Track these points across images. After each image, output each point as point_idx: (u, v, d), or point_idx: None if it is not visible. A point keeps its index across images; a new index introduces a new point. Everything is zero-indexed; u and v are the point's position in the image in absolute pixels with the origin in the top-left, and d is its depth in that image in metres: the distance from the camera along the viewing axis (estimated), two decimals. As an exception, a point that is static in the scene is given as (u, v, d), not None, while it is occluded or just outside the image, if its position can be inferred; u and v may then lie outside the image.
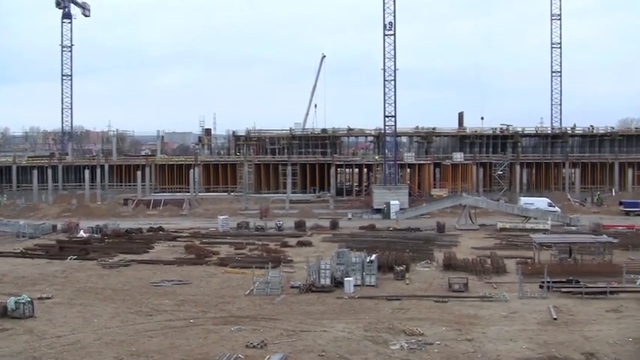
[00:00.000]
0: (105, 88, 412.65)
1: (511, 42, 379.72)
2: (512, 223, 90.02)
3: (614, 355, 35.59)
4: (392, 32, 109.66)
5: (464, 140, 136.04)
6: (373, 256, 56.30)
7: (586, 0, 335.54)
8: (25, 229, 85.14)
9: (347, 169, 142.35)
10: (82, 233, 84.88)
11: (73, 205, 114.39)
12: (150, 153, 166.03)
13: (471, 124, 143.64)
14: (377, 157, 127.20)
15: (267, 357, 35.36)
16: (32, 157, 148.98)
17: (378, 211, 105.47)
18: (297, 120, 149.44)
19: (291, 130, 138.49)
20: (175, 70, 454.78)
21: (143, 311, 46.18)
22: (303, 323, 42.20)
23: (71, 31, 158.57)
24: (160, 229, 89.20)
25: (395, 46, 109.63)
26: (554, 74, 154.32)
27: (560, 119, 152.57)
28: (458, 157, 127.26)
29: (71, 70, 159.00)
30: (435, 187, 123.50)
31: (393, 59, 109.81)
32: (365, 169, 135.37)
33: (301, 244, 76.10)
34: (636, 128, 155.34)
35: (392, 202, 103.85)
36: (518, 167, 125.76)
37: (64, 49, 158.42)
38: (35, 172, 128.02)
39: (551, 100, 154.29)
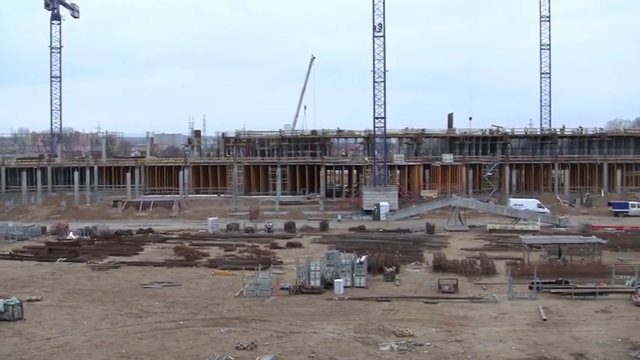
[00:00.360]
0: (94, 90, 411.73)
1: (501, 44, 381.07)
2: (501, 224, 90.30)
3: (604, 356, 35.70)
4: (381, 34, 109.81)
5: (453, 141, 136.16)
6: (363, 258, 56.33)
7: (575, 2, 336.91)
8: (14, 231, 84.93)
9: (337, 171, 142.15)
10: (71, 235, 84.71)
11: (62, 207, 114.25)
12: (139, 155, 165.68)
13: (461, 125, 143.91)
14: (366, 159, 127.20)
15: (257, 358, 35.36)
16: (21, 158, 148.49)
17: (368, 212, 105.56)
18: (287, 121, 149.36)
19: (280, 131, 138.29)
20: (165, 72, 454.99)
21: (133, 313, 46.09)
22: (293, 325, 42.20)
23: (60, 33, 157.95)
24: (150, 230, 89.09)
25: (384, 48, 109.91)
26: (543, 76, 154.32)
27: (550, 120, 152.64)
28: (447, 158, 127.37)
29: (60, 71, 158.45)
30: (424, 189, 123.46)
31: (382, 61, 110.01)
32: (355, 171, 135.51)
33: (291, 245, 76.09)
34: (625, 129, 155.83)
35: (381, 204, 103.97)
36: (507, 168, 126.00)
37: (53, 51, 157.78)
38: (24, 173, 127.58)
39: (541, 101, 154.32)
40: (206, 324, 42.91)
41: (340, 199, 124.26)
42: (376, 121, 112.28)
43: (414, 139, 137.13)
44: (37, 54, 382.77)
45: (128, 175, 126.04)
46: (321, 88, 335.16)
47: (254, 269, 55.48)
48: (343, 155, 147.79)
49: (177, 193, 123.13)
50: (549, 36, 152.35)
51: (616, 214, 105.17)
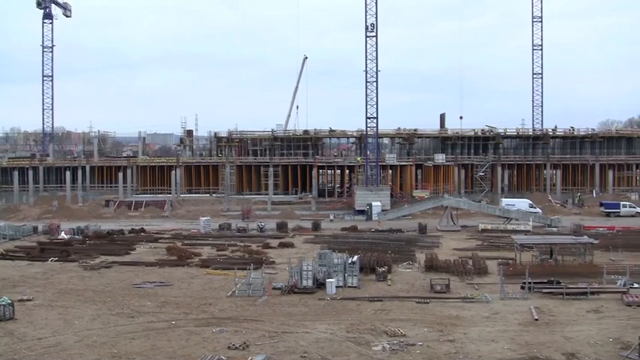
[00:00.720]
0: (86, 89, 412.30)
1: (493, 44, 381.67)
2: (493, 224, 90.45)
3: (595, 356, 35.75)
4: (374, 34, 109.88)
5: (445, 142, 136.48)
6: (355, 258, 56.32)
7: (568, 3, 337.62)
8: (5, 230, 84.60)
9: (329, 171, 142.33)
10: (63, 235, 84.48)
11: (54, 207, 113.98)
12: (131, 154, 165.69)
13: (453, 125, 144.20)
14: (359, 159, 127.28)
15: (250, 358, 35.29)
16: (13, 158, 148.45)
17: (360, 212, 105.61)
18: (279, 121, 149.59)
19: (273, 131, 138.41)
20: (157, 72, 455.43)
21: (124, 313, 46.00)
22: (285, 324, 42.17)
23: (52, 32, 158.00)
24: (142, 230, 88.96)
25: (377, 48, 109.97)
26: (535, 76, 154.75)
27: (542, 121, 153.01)
28: (439, 158, 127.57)
29: (52, 70, 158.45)
30: (416, 189, 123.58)
31: (375, 61, 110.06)
32: (347, 171, 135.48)
33: (283, 245, 76.04)
34: (617, 130, 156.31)
35: (374, 204, 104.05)
36: (499, 168, 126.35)
37: (45, 50, 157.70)
38: (16, 173, 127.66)
39: (533, 101, 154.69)
40: (198, 324, 42.84)
41: (332, 199, 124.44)
42: (368, 121, 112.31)
43: (407, 139, 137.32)
44: (29, 53, 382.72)
45: (120, 174, 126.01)
46: (314, 88, 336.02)
47: (246, 269, 55.43)
48: (335, 155, 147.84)
49: (170, 193, 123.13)
50: (541, 36, 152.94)
51: (607, 215, 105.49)
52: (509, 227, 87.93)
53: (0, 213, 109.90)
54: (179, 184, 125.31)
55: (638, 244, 75.13)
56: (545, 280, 52.65)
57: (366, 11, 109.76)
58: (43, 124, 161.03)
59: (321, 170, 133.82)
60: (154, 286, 55.27)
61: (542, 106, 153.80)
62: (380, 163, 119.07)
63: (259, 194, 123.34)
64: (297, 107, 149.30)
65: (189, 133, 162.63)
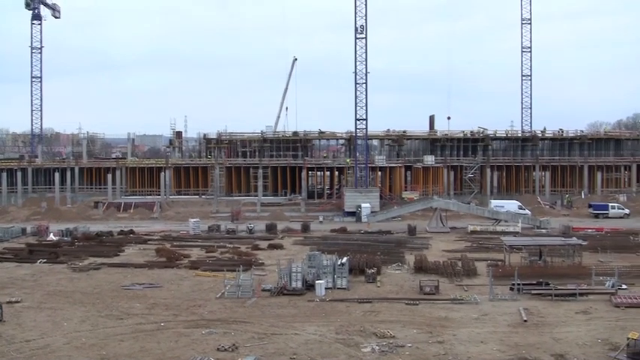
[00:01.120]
0: (75, 90, 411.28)
1: (482, 46, 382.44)
2: (482, 225, 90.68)
3: (584, 357, 35.85)
4: (363, 35, 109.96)
5: (435, 143, 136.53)
6: (344, 259, 56.26)
7: (557, 5, 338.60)
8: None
9: (318, 172, 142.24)
10: (51, 236, 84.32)
11: (42, 208, 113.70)
12: (120, 156, 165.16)
13: (442, 127, 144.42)
14: (348, 160, 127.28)
15: (239, 360, 35.35)
16: (1, 159, 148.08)
17: (350, 213, 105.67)
18: (269, 123, 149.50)
19: (262, 133, 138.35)
20: (146, 73, 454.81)
21: (113, 315, 45.90)
22: (274, 326, 42.15)
23: (41, 33, 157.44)
24: (131, 232, 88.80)
25: (366, 50, 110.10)
26: (524, 78, 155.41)
27: (531, 123, 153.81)
28: (429, 160, 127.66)
29: (41, 71, 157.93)
30: (406, 190, 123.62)
31: (364, 62, 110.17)
32: (336, 172, 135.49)
33: (272, 246, 76.05)
34: (605, 132, 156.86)
35: (363, 205, 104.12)
36: (488, 170, 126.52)
37: (33, 51, 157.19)
38: (4, 174, 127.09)
39: (522, 103, 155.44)
40: (187, 325, 42.79)
41: (322, 200, 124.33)
42: (358, 122, 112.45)
43: (396, 141, 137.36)
44: (18, 54, 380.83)
45: (109, 176, 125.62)
46: (303, 89, 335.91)
47: (235, 271, 55.37)
48: (325, 157, 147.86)
49: (159, 195, 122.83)
50: (530, 39, 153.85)
51: (596, 216, 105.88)
52: (499, 229, 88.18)
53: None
54: (168, 186, 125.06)
55: (626, 245, 75.66)
56: (534, 282, 52.84)
57: (355, 13, 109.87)
58: (32, 125, 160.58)
59: (310, 172, 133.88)
60: (143, 287, 55.19)
61: (531, 107, 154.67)
62: (369, 165, 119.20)
63: (248, 196, 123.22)
64: (287, 109, 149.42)
65: (179, 134, 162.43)
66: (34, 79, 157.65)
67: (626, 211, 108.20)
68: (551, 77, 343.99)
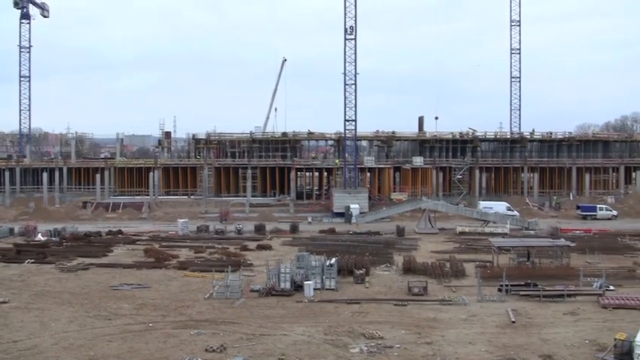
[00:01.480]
0: (64, 90, 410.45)
1: (472, 47, 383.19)
2: (471, 227, 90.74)
3: (571, 358, 35.98)
4: (353, 37, 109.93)
5: (424, 144, 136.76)
6: (333, 260, 56.25)
7: (546, 7, 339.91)
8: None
9: (307, 173, 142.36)
10: (39, 236, 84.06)
11: (30, 208, 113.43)
12: (109, 156, 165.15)
13: (432, 128, 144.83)
14: (337, 161, 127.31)
15: (227, 361, 35.32)
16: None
17: (339, 214, 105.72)
18: (258, 123, 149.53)
19: (251, 133, 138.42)
20: (135, 73, 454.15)
21: (102, 315, 45.79)
22: (262, 327, 42.12)
23: (29, 32, 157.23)
24: (119, 232, 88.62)
25: (356, 51, 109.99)
26: (513, 80, 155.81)
27: (520, 124, 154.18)
28: (418, 161, 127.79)
29: (29, 71, 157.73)
30: (394, 191, 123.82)
31: (353, 63, 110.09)
32: (325, 173, 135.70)
33: (261, 247, 75.99)
34: (594, 134, 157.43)
35: (352, 206, 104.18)
36: (477, 171, 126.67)
37: (22, 50, 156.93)
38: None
39: (511, 105, 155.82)
40: (175, 326, 42.74)
41: (311, 201, 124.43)
42: (347, 123, 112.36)
43: (385, 142, 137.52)
44: (6, 53, 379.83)
45: (98, 176, 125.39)
46: (293, 90, 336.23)
47: (224, 271, 55.23)
48: (314, 157, 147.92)
49: (147, 195, 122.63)
50: (519, 40, 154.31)
51: (584, 218, 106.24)
52: (487, 230, 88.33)
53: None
54: (157, 186, 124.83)
55: (614, 246, 75.95)
56: (523, 283, 52.95)
57: (345, 14, 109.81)
58: (20, 125, 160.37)
59: (299, 172, 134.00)
60: (131, 288, 55.08)
61: (519, 109, 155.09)
62: (358, 166, 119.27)
63: (237, 196, 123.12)
64: (276, 109, 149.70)
65: (168, 134, 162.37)
66: (22, 79, 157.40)
67: (614, 212, 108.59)
68: (540, 79, 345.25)
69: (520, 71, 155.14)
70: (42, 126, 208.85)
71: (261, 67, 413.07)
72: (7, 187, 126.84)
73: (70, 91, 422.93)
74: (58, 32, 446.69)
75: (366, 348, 37.48)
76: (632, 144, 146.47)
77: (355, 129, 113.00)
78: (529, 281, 53.19)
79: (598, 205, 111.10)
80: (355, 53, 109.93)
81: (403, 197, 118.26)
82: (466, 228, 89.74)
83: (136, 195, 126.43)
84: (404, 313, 46.37)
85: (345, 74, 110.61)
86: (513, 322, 43.32)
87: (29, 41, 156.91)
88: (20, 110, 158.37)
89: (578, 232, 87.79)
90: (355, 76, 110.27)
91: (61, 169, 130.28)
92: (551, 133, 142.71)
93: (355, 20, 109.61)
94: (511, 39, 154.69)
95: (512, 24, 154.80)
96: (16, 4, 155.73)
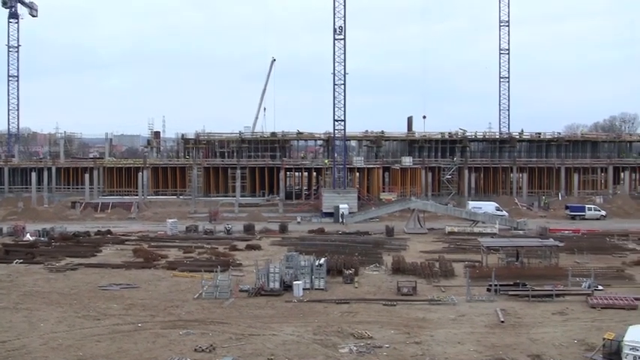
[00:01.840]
0: (52, 90, 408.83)
1: (461, 47, 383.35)
2: (460, 226, 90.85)
3: (560, 357, 36.06)
4: (342, 36, 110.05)
5: (413, 144, 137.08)
6: (322, 260, 56.32)
7: (535, 8, 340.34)
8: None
9: (296, 173, 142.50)
10: (28, 236, 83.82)
11: (19, 208, 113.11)
12: (98, 156, 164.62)
13: (421, 128, 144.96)
14: (326, 161, 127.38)
15: (216, 361, 35.28)
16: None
17: (328, 214, 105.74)
18: (247, 123, 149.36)
19: (240, 133, 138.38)
20: (124, 72, 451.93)
21: (90, 315, 45.66)
22: (252, 327, 42.08)
23: (18, 32, 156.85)
24: (108, 232, 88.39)
25: (345, 50, 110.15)
26: (502, 80, 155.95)
27: (509, 124, 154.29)
28: (407, 161, 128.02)
29: (18, 70, 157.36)
30: (384, 191, 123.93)
31: (342, 63, 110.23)
32: (314, 173, 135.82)
33: (250, 247, 75.92)
34: (582, 134, 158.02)
35: (341, 206, 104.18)
36: (466, 171, 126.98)
37: (10, 50, 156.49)
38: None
39: (499, 105, 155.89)
40: (164, 326, 42.65)
41: (300, 201, 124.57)
42: (336, 123, 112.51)
43: (374, 142, 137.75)
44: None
45: (86, 176, 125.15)
46: (282, 89, 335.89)
47: (213, 271, 55.23)
48: (303, 157, 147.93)
49: (136, 195, 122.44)
50: (508, 41, 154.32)
51: (573, 218, 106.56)
52: (476, 230, 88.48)
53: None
54: (146, 186, 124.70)
55: (602, 246, 76.17)
56: (511, 283, 53.06)
57: (334, 14, 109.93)
58: (9, 124, 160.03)
59: (288, 172, 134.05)
60: (120, 288, 54.94)
61: (508, 109, 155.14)
62: (347, 166, 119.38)
63: (226, 196, 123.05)
64: (265, 109, 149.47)
65: (157, 134, 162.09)
66: (10, 79, 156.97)
67: (603, 212, 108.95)
68: (530, 79, 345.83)
69: (509, 71, 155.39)
70: (30, 126, 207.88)
71: (250, 67, 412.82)
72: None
73: (58, 91, 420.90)
74: (46, 31, 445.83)
75: (355, 348, 37.48)
76: (620, 144, 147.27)
77: (344, 129, 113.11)
78: (518, 281, 53.30)
79: (587, 206, 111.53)
80: (344, 53, 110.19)
81: (392, 197, 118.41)
82: (455, 228, 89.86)
83: (125, 195, 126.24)
84: (393, 313, 46.39)
85: (334, 74, 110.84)
86: (502, 321, 43.39)
87: (17, 40, 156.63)
88: (9, 110, 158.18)
89: (566, 232, 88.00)
90: (344, 76, 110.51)
91: (49, 169, 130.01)
92: (539, 134, 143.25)
93: (344, 20, 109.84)
94: (500, 39, 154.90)
95: (501, 24, 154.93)
96: (4, 4, 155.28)
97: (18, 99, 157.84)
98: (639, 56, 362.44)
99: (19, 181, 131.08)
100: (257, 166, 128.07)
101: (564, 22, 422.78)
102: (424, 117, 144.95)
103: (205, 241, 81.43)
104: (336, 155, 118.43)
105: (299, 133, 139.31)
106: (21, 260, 67.48)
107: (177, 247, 76.33)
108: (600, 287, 52.91)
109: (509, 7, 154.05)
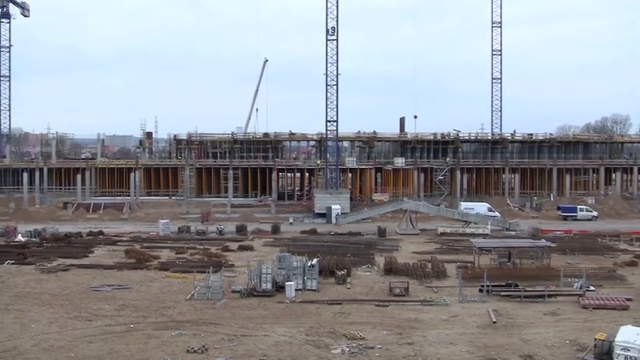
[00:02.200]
0: (44, 90, 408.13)
1: (454, 48, 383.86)
2: (452, 227, 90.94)
3: (552, 358, 36.11)
4: (334, 37, 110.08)
5: (405, 145, 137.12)
6: (314, 261, 56.33)
7: (526, 9, 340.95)
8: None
9: (289, 174, 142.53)
10: (19, 237, 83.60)
11: (10, 209, 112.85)
12: (90, 156, 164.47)
13: (411, 127, 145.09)
14: (319, 162, 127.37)
15: (208, 362, 35.23)
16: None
17: (320, 215, 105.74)
18: (240, 124, 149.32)
19: (232, 134, 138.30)
20: (116, 72, 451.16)
21: (82, 316, 45.56)
22: (244, 328, 42.04)
23: (10, 31, 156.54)
24: (100, 233, 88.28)
25: (337, 51, 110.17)
26: (494, 81, 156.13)
27: (501, 125, 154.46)
28: (399, 162, 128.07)
29: (9, 70, 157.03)
30: (376, 192, 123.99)
31: (335, 64, 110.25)
32: (307, 174, 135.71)
33: (242, 248, 75.86)
34: (574, 135, 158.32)
35: (333, 207, 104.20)
36: (458, 172, 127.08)
37: (2, 50, 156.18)
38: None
39: (492, 106, 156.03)
40: (157, 327, 42.58)
41: (292, 202, 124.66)
42: (328, 124, 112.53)
43: (366, 143, 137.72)
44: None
45: (78, 176, 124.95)
46: (275, 90, 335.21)
47: (205, 272, 55.18)
48: (295, 158, 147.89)
49: (128, 195, 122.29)
50: (501, 42, 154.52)
51: (565, 218, 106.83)
52: (468, 231, 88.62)
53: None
54: (138, 187, 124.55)
55: (594, 247, 76.29)
56: (504, 283, 53.11)
57: (327, 14, 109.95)
58: (0, 124, 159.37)
59: (280, 173, 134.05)
60: (112, 289, 54.84)
61: (501, 110, 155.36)
62: (340, 167, 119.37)
63: (219, 197, 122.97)
64: (257, 110, 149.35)
65: (149, 135, 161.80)
66: (2, 78, 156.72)
67: (594, 213, 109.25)
68: (522, 80, 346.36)
69: (501, 72, 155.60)
70: (22, 126, 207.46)
71: (244, 67, 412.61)
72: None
73: (50, 91, 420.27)
74: (38, 31, 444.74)
75: (347, 349, 37.47)
76: (612, 145, 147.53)
77: (337, 129, 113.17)
78: (510, 282, 53.35)
79: (578, 206, 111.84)
80: (337, 54, 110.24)
81: (384, 198, 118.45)
82: (447, 229, 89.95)
83: (117, 196, 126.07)
84: (385, 313, 46.40)
85: (326, 75, 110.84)
86: (494, 322, 43.44)
87: (9, 40, 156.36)
88: (0, 110, 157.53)
89: (558, 232, 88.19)
90: (337, 77, 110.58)
91: (41, 170, 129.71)
92: (532, 135, 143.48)
93: (337, 21, 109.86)
94: (492, 40, 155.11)
95: (494, 25, 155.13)
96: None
97: (10, 99, 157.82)
98: (632, 58, 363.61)
99: (11, 181, 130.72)
100: (249, 167, 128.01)
101: (557, 22, 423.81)
102: (415, 117, 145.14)
103: (197, 241, 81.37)
104: (328, 156, 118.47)
105: (291, 133, 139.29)
106: (12, 261, 67.28)
107: (169, 248, 76.23)
108: (592, 288, 53.03)
109: (501, 7, 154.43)
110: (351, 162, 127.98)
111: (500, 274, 56.94)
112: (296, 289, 52.08)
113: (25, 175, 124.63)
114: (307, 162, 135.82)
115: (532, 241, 69.66)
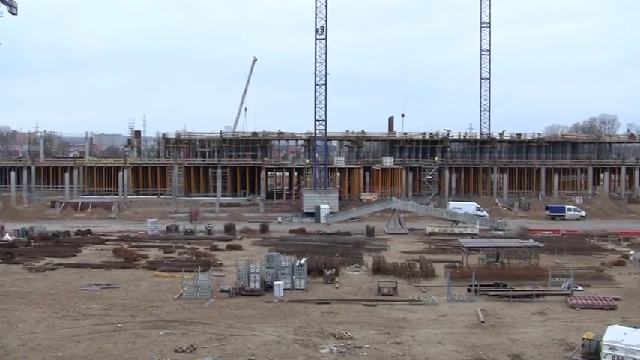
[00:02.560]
0: (32, 89, 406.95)
1: (443, 48, 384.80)
2: (441, 227, 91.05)
3: (540, 357, 36.18)
4: (324, 37, 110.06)
5: (394, 145, 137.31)
6: (303, 260, 56.25)
7: (515, 9, 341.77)
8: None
9: (277, 173, 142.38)
10: (7, 236, 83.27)
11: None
12: (78, 155, 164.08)
13: (399, 125, 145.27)
14: (307, 161, 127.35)
15: (197, 361, 35.18)
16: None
17: (309, 214, 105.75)
18: (228, 123, 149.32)
19: (221, 133, 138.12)
20: (105, 72, 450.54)
21: (70, 315, 45.43)
22: (232, 327, 42.00)
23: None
24: (88, 232, 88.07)
25: (326, 51, 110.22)
26: (483, 81, 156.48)
27: (489, 125, 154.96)
28: (388, 161, 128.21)
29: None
30: (364, 192, 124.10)
31: (324, 63, 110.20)
32: (295, 173, 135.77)
33: (231, 247, 75.82)
34: (562, 135, 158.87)
35: (322, 206, 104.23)
36: (447, 172, 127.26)
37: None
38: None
39: (480, 106, 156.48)
40: (145, 326, 42.50)
41: (281, 201, 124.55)
42: (317, 123, 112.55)
43: (355, 142, 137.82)
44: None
45: (67, 175, 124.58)
46: (264, 89, 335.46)
47: (193, 271, 55.15)
48: (284, 157, 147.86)
49: (117, 194, 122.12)
50: (489, 42, 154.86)
51: (553, 218, 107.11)
52: (457, 230, 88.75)
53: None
54: (126, 186, 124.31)
55: (582, 247, 76.55)
56: (492, 283, 53.18)
57: (316, 14, 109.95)
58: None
59: (269, 172, 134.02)
60: (100, 288, 54.71)
61: (489, 110, 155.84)
62: (328, 166, 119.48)
63: (207, 196, 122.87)
64: (246, 109, 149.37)
65: (137, 134, 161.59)
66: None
67: (582, 213, 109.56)
68: (510, 80, 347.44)
69: (490, 72, 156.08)
70: (10, 124, 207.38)
71: (233, 67, 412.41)
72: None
73: (38, 90, 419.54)
74: (26, 30, 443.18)
75: (335, 348, 37.47)
76: (600, 145, 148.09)
77: (325, 129, 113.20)
78: (498, 281, 53.44)
79: (566, 206, 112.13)
80: (326, 53, 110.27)
81: (373, 197, 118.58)
82: (436, 228, 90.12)
83: (105, 195, 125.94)
84: (374, 313, 46.43)
85: (315, 74, 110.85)
86: (482, 322, 43.50)
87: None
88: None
89: (546, 232, 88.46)
90: (326, 76, 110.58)
91: (29, 168, 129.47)
92: (520, 135, 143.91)
93: (326, 20, 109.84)
94: (481, 40, 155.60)
95: (483, 25, 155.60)
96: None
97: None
98: (619, 59, 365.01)
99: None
100: (238, 166, 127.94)
101: (546, 23, 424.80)
102: (403, 115, 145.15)
103: (186, 241, 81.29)
104: (317, 155, 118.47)
105: (280, 133, 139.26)
106: (0, 260, 67.07)
107: (157, 247, 76.13)
108: (580, 287, 53.22)
109: (490, 8, 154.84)
110: (339, 161, 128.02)
111: (488, 273, 57.07)
112: (284, 289, 52.09)
113: (13, 174, 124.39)
114: (296, 161, 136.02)
115: (520, 240, 69.77)
